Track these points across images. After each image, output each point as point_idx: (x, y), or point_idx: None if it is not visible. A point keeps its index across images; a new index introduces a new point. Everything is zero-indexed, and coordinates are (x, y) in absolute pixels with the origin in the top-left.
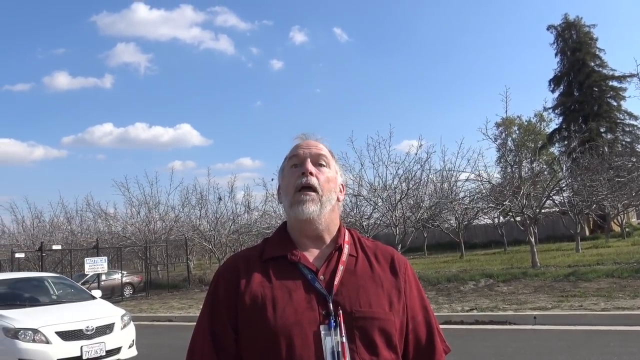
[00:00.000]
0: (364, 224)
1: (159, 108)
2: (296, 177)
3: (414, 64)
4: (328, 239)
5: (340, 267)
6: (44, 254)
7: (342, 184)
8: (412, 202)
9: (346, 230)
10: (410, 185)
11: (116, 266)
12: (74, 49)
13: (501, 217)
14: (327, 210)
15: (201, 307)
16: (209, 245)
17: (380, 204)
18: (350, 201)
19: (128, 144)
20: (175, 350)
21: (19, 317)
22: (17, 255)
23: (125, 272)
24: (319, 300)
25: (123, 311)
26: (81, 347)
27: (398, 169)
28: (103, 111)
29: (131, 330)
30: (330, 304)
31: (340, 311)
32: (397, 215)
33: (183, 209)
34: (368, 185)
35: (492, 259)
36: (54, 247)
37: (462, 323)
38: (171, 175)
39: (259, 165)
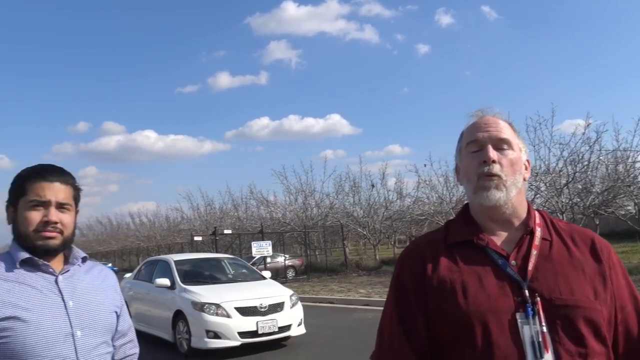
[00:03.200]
0: None
1: (310, 100)
2: (477, 165)
3: (574, 35)
4: (517, 222)
5: (534, 252)
6: (217, 238)
7: (527, 160)
8: (580, 187)
9: (536, 212)
10: (578, 168)
11: (279, 250)
12: (232, 50)
13: None
14: (513, 194)
15: (360, 290)
16: (364, 231)
17: (543, 189)
18: None
19: (283, 135)
20: (339, 331)
21: (204, 293)
22: (195, 238)
23: (287, 256)
24: (513, 287)
25: (291, 291)
26: (257, 322)
27: (563, 150)
28: (260, 106)
29: (299, 309)
30: (526, 291)
31: (538, 298)
32: (563, 201)
33: (337, 196)
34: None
35: None
36: (225, 231)
37: None
38: (324, 164)
39: (409, 151)
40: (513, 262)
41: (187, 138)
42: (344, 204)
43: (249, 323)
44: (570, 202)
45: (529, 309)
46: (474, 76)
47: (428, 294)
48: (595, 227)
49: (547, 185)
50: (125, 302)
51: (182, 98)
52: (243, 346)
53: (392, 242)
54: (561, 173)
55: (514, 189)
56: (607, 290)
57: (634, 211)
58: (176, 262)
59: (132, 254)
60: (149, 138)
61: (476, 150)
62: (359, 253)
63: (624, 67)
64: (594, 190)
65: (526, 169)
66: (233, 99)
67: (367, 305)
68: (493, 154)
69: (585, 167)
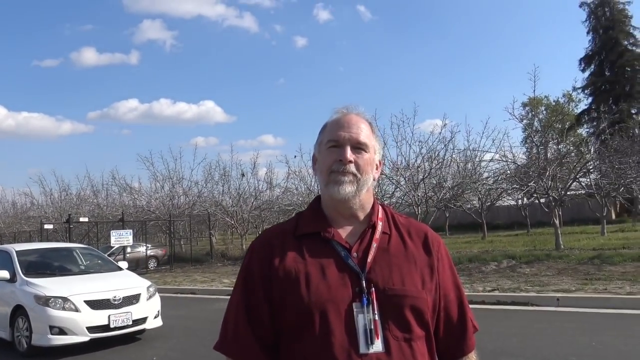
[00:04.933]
0: (386, 202)
1: (184, 84)
2: (333, 160)
3: (439, 42)
4: (362, 216)
5: (374, 245)
6: (71, 226)
7: (379, 161)
8: (434, 182)
9: (380, 207)
10: (433, 165)
11: (141, 239)
12: (101, 25)
13: (525, 199)
14: (363, 192)
15: (224, 280)
16: (232, 221)
17: (402, 183)
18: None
19: (153, 119)
20: (199, 322)
21: (50, 286)
22: (45, 226)
23: (149, 246)
24: (352, 277)
25: (149, 282)
26: (109, 316)
27: (421, 148)
28: (129, 87)
29: (156, 301)
30: (364, 282)
31: (373, 289)
32: (419, 194)
33: (206, 185)
34: (391, 164)
35: (514, 240)
36: (81, 219)
37: (483, 303)
38: (195, 151)
39: (281, 142)
40: (355, 254)
41: (44, 116)
42: (212, 192)
43: (99, 317)
44: (425, 195)
45: (365, 298)
46: (347, 72)
47: (274, 284)
48: (445, 220)
49: (407, 179)
50: None
51: (39, 72)
52: (94, 341)
53: (260, 232)
54: (419, 169)
55: (364, 188)
56: (434, 281)
57: (478, 205)
58: (18, 252)
59: None
60: None
61: (334, 146)
62: (225, 243)
63: (480, 73)
64: (446, 185)
65: (377, 168)
66: (99, 77)
67: (230, 295)
68: (350, 155)
69: (440, 164)
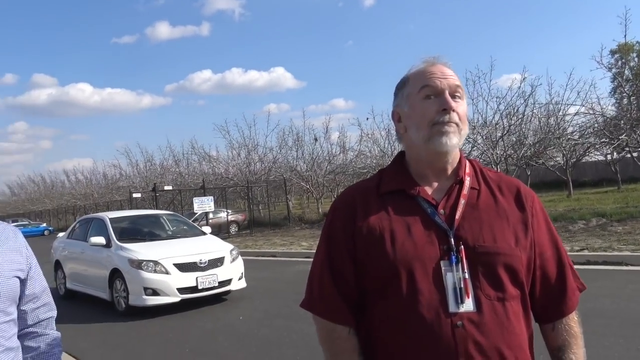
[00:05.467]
0: None
1: (254, 53)
2: (435, 112)
3: None
4: (450, 170)
5: (462, 201)
6: (157, 194)
7: None
8: (514, 139)
9: (467, 161)
10: (513, 121)
11: (221, 205)
12: None
13: (615, 153)
14: (461, 143)
15: (302, 243)
16: (307, 185)
17: (479, 141)
18: None
19: (225, 89)
20: (281, 284)
21: (141, 250)
22: (134, 195)
23: (230, 211)
24: (439, 235)
25: (232, 246)
26: (196, 277)
27: (499, 104)
28: (202, 58)
29: (240, 263)
30: (452, 239)
31: (462, 246)
32: (497, 153)
33: (280, 151)
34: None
35: (604, 197)
36: (166, 187)
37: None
38: (267, 118)
39: (352, 105)
40: (442, 210)
41: (125, 91)
42: (287, 158)
43: (188, 279)
44: (504, 154)
45: (453, 256)
46: (417, 31)
47: (357, 242)
48: (526, 178)
49: (484, 137)
50: (58, 261)
51: (118, 49)
52: (183, 302)
53: (335, 196)
54: (497, 126)
55: (464, 138)
56: (528, 237)
57: (562, 162)
58: (112, 219)
59: (68, 212)
60: (83, 92)
61: (430, 94)
62: (302, 207)
63: (562, 21)
64: (526, 142)
65: None
66: (173, 50)
67: (309, 257)
68: (452, 102)
69: (520, 120)
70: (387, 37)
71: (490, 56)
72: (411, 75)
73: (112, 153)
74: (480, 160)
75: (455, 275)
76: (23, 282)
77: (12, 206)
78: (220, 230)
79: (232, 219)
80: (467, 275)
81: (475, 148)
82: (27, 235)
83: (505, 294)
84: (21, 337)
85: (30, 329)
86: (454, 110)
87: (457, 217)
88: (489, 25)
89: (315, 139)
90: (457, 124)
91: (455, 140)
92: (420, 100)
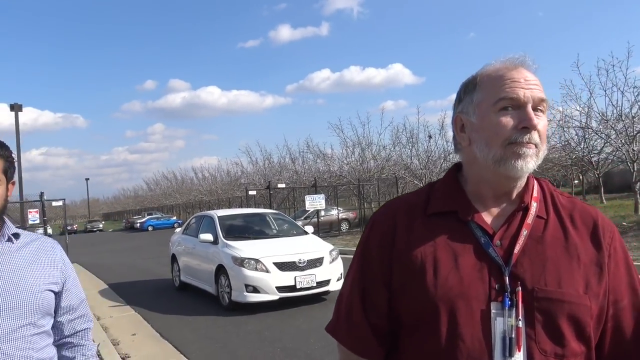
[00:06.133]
0: (593, 159)
1: (371, 50)
2: (512, 128)
3: None
4: (515, 194)
5: (524, 232)
6: (271, 192)
7: None
8: None
9: (535, 182)
10: None
11: (333, 203)
12: (293, 2)
13: None
14: (538, 165)
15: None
16: (420, 184)
17: (613, 136)
18: (577, 134)
19: (344, 87)
20: None
21: (244, 248)
22: (250, 192)
23: (341, 209)
24: (492, 271)
25: (332, 246)
26: (295, 277)
27: (638, 94)
28: (321, 58)
29: (339, 264)
30: (507, 277)
31: (519, 287)
32: (635, 148)
33: (394, 148)
34: (598, 115)
35: None
36: (279, 185)
37: None
38: (381, 115)
39: None
40: (498, 242)
41: (250, 93)
42: (401, 156)
43: (287, 278)
44: None
45: (507, 299)
46: (547, 17)
47: (395, 267)
48: None
49: (618, 132)
50: (174, 255)
51: (244, 53)
52: (281, 300)
53: None
54: (635, 118)
55: (540, 161)
56: (602, 283)
57: None
58: (220, 217)
59: (195, 207)
60: (212, 94)
61: (509, 106)
62: None
63: None
64: None
65: None
66: (294, 51)
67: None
68: (535, 119)
69: None
70: (512, 27)
71: (627, 41)
72: (485, 77)
73: (236, 152)
74: (614, 156)
75: (506, 322)
76: (58, 294)
77: (149, 200)
78: (332, 228)
79: (344, 216)
80: (521, 324)
81: (607, 144)
82: (160, 228)
83: (565, 351)
84: (58, 347)
85: (67, 339)
86: (535, 129)
87: (515, 251)
88: (629, 6)
89: (430, 136)
90: (536, 145)
91: (532, 165)
92: (495, 112)
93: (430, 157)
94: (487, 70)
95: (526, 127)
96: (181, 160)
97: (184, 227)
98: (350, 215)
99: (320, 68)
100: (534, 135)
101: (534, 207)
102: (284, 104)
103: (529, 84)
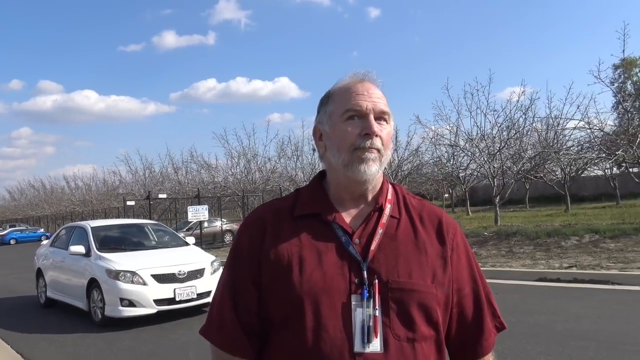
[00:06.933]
0: (461, 175)
1: (259, 62)
2: (356, 136)
3: (517, 3)
4: (370, 196)
5: (379, 230)
6: (151, 202)
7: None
8: (512, 152)
9: (390, 186)
10: (511, 134)
11: (216, 214)
12: (179, 8)
13: (615, 169)
14: (382, 169)
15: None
16: None
17: (477, 154)
18: (447, 152)
19: (230, 98)
20: None
21: (120, 260)
22: (128, 203)
23: (225, 220)
24: (352, 266)
25: (213, 257)
26: (174, 289)
27: (498, 117)
28: (207, 67)
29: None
30: (365, 272)
31: (376, 280)
32: (495, 166)
33: (279, 160)
34: (465, 134)
35: (601, 213)
36: (160, 195)
37: (558, 281)
38: (267, 127)
39: None
40: (357, 240)
41: (130, 99)
42: (286, 168)
43: (166, 290)
44: (502, 167)
45: (365, 291)
46: (423, 42)
47: (263, 267)
48: (525, 192)
49: (481, 150)
50: (40, 269)
51: (124, 57)
52: (160, 314)
53: None
54: (495, 139)
55: (385, 164)
56: (447, 273)
57: (561, 176)
58: (93, 228)
59: (66, 218)
60: (88, 98)
61: (354, 116)
62: None
63: (562, 36)
64: (525, 155)
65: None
66: (179, 59)
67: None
68: (376, 127)
69: (519, 133)
70: (391, 48)
71: (489, 69)
72: (336, 91)
73: (115, 160)
74: (478, 173)
75: (364, 312)
76: None
77: (12, 211)
78: (215, 240)
79: (227, 228)
80: (377, 313)
81: (473, 161)
82: (24, 241)
83: (416, 335)
84: None
85: None
86: (377, 135)
87: (372, 248)
88: (491, 36)
89: (314, 149)
90: (378, 150)
91: (374, 169)
92: (343, 121)
93: (314, 170)
94: (339, 84)
95: (368, 133)
96: (51, 168)
97: (52, 239)
98: (235, 226)
99: (206, 77)
100: (376, 141)
101: (388, 208)
102: (167, 112)
103: (371, 97)
